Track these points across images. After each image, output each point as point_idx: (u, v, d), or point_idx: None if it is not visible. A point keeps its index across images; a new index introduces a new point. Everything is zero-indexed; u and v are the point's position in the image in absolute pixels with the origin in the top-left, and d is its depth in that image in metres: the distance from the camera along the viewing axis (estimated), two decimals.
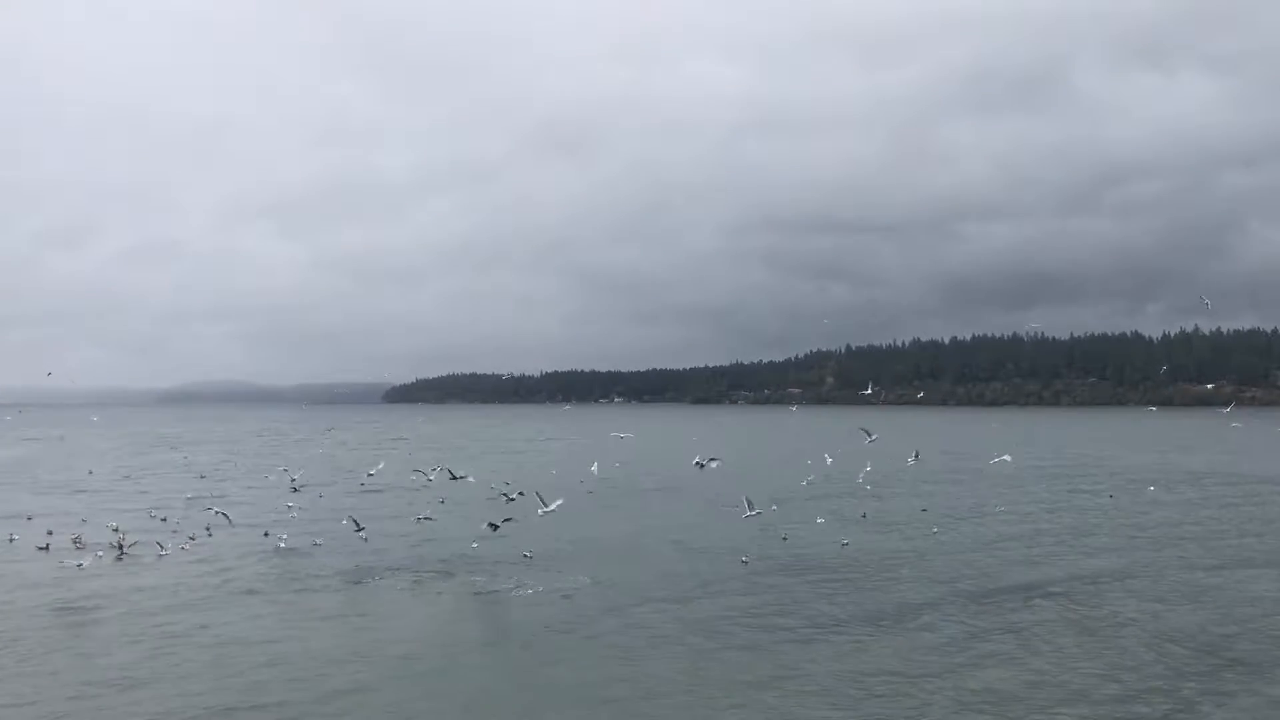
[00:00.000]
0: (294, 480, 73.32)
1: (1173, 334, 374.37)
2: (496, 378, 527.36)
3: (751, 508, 44.85)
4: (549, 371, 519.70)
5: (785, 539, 46.13)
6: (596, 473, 69.95)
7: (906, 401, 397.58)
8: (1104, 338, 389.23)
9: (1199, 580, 37.33)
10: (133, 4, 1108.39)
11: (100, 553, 42.86)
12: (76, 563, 39.53)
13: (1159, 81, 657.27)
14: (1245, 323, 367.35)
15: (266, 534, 47.92)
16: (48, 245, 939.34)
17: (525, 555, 41.14)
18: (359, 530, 44.68)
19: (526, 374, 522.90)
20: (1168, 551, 43.87)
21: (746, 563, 40.58)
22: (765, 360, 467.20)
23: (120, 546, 43.74)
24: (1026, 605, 33.20)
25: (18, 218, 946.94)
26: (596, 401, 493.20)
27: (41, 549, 44.28)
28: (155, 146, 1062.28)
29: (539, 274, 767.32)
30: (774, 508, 53.32)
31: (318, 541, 45.55)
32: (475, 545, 43.04)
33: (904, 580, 37.52)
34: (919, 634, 29.69)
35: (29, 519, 54.44)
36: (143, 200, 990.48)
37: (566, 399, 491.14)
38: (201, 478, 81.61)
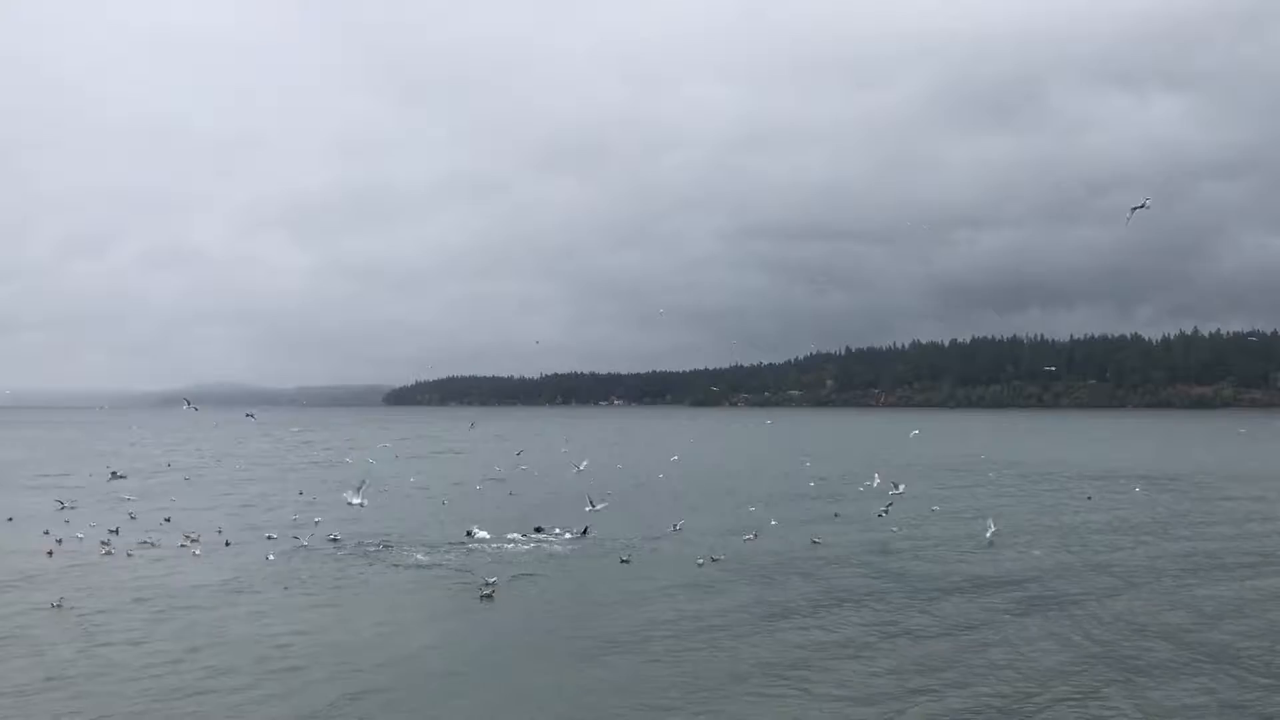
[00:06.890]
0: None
1: (1172, 336, 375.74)
2: (496, 380, 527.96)
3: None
4: (549, 374, 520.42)
5: (755, 536, 48.04)
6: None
7: (906, 403, 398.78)
8: (1104, 340, 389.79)
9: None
10: (160, 22, 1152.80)
11: (105, 555, 44.07)
12: (81, 565, 40.63)
13: (1130, 100, 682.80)
14: (1234, 325, 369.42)
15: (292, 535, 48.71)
16: (70, 252, 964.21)
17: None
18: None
19: (527, 376, 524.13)
20: (1078, 544, 45.59)
21: (718, 560, 42.24)
22: (765, 363, 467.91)
23: (136, 546, 45.05)
24: (1001, 602, 34.89)
25: (44, 225, 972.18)
26: (596, 404, 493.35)
27: (47, 553, 44.77)
28: (181, 158, 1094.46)
29: (540, 280, 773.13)
30: (751, 509, 54.97)
31: (335, 536, 47.44)
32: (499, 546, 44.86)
33: (869, 576, 39.28)
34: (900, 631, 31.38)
35: (10, 519, 55.59)
36: (163, 210, 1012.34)
37: (566, 401, 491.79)
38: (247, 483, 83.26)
